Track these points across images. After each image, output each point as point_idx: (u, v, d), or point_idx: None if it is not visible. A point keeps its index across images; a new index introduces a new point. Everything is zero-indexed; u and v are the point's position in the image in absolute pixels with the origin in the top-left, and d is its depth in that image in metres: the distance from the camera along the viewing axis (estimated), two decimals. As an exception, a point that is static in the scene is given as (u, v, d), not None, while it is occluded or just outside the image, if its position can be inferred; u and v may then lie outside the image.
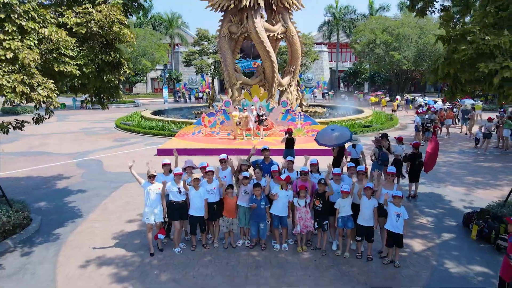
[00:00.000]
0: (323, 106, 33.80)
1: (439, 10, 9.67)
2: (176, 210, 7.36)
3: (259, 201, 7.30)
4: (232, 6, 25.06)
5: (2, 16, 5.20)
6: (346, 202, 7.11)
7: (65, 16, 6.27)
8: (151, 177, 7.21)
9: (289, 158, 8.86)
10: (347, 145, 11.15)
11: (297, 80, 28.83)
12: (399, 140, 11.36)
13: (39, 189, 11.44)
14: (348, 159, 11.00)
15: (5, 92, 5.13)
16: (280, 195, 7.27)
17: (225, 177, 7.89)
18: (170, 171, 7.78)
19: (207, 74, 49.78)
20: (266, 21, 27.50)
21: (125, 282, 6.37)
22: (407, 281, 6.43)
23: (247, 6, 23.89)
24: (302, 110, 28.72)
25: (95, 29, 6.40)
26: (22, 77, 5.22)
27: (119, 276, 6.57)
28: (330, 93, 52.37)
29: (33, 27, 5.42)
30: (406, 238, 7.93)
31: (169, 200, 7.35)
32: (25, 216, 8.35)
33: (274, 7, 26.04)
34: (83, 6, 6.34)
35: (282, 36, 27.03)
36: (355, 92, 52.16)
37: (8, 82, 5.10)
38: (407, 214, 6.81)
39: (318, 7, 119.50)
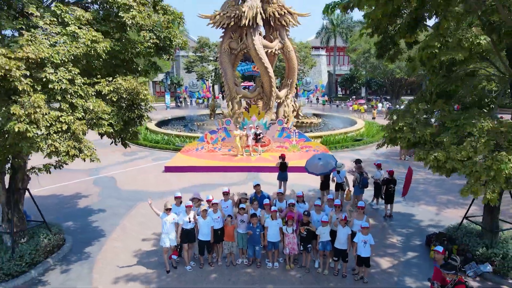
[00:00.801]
0: (318, 115, 35.44)
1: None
2: (185, 235, 9.06)
3: (255, 228, 9.00)
4: (232, 23, 26.67)
5: (59, 98, 6.87)
6: (325, 230, 8.81)
7: (100, 84, 7.96)
8: (168, 210, 8.90)
9: (279, 190, 10.54)
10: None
11: (296, 85, 30.46)
12: (378, 166, 13.05)
13: (64, 208, 13.15)
14: (334, 183, 12.76)
15: (61, 156, 6.80)
16: (271, 224, 8.97)
17: (227, 207, 9.60)
18: (181, 202, 9.47)
19: (207, 80, 51.40)
20: (265, 36, 29.18)
21: (161, 270, 8.10)
22: (371, 295, 8.16)
23: (246, 24, 25.49)
24: (299, 121, 30.52)
25: (124, 96, 8.10)
26: (73, 143, 6.90)
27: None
28: (323, 99, 53.94)
29: (80, 103, 7.11)
30: (377, 256, 9.68)
31: (182, 227, 9.05)
32: (61, 238, 10.08)
33: (272, 24, 27.65)
34: (115, 80, 8.04)
35: (280, 52, 28.72)
36: (348, 102, 53.47)
37: (64, 147, 6.77)
38: (373, 240, 8.50)
39: (317, 10, 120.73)
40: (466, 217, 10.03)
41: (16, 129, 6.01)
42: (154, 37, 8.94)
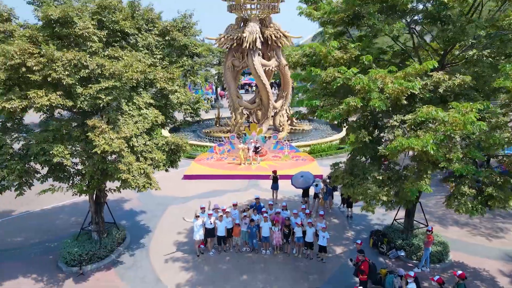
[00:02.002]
0: (310, 120, 40.21)
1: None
2: (208, 233, 14.11)
3: (253, 228, 14.06)
4: (235, 44, 31.47)
5: (139, 155, 11.81)
6: (299, 229, 13.85)
7: (157, 139, 12.90)
8: (197, 217, 13.94)
9: (270, 202, 15.63)
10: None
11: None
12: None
13: (115, 211, 18.17)
14: (312, 193, 17.83)
15: (141, 188, 11.71)
16: (264, 225, 14.00)
17: (235, 213, 14.66)
18: (204, 211, 14.51)
19: (211, 83, 56.04)
20: (263, 54, 33.87)
21: (189, 270, 13.20)
22: (327, 270, 13.23)
23: (247, 47, 30.21)
24: (292, 128, 35.32)
25: (172, 147, 13.08)
26: (147, 180, 11.83)
27: (185, 267, 13.39)
28: None
29: (150, 156, 12.07)
30: (334, 246, 14.74)
31: (206, 227, 14.09)
32: (124, 233, 15.17)
33: (270, 43, 32.30)
34: (166, 137, 13.00)
35: (276, 69, 33.53)
36: None
37: (141, 183, 11.68)
38: (329, 234, 13.55)
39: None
40: (395, 219, 15.06)
41: (123, 178, 10.99)
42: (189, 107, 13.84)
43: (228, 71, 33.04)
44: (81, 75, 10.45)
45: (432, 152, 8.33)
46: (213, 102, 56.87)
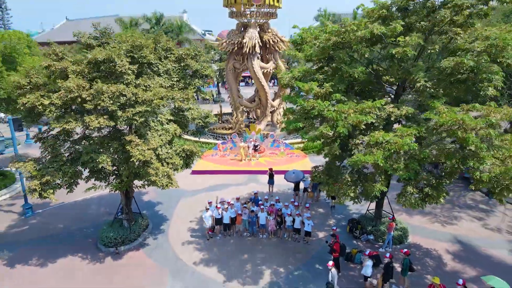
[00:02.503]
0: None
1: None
2: (216, 221, 17.65)
3: (252, 217, 17.60)
4: (236, 48, 34.60)
5: (163, 162, 15.23)
6: (290, 218, 17.38)
7: (175, 148, 16.32)
8: (207, 209, 17.47)
9: (266, 196, 19.16)
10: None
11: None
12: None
13: (137, 202, 21.70)
14: (302, 187, 21.33)
15: (164, 186, 15.14)
16: (261, 215, 17.53)
17: (237, 205, 18.19)
18: (211, 204, 18.03)
19: (212, 78, 59.06)
20: (262, 57, 37.03)
21: (201, 251, 16.78)
22: (310, 249, 16.81)
23: (247, 52, 33.34)
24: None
25: (188, 153, 16.53)
26: (169, 180, 15.26)
27: (198, 248, 16.97)
28: None
29: (171, 162, 15.50)
30: (318, 231, 18.31)
31: (214, 217, 17.61)
32: (147, 221, 18.74)
33: (268, 46, 35.44)
34: (182, 145, 16.41)
35: (274, 71, 36.70)
36: None
37: (165, 183, 15.12)
38: (314, 222, 17.08)
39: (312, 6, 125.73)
40: (368, 210, 18.59)
41: (152, 179, 14.44)
42: (200, 120, 17.22)
43: (229, 72, 36.26)
44: (121, 102, 13.81)
45: (381, 164, 11.76)
46: (215, 96, 60.10)
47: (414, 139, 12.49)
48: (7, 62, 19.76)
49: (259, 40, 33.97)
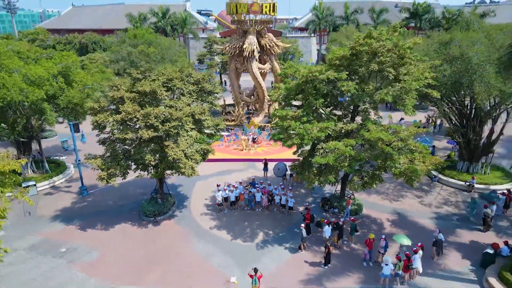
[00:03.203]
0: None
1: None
2: (224, 199, 24.86)
3: (251, 196, 24.81)
4: (237, 51, 41.08)
5: (189, 157, 22.22)
6: (278, 197, 24.56)
7: (196, 147, 23.34)
8: (219, 190, 24.68)
9: (261, 181, 26.39)
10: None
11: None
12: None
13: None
14: (288, 173, 28.49)
15: (188, 175, 22.11)
16: (257, 194, 24.72)
17: (240, 187, 25.39)
18: (220, 186, 25.24)
19: (215, 69, 65.49)
20: (259, 57, 43.47)
21: (214, 220, 24.07)
22: (292, 219, 24.04)
23: (247, 56, 39.86)
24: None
25: (204, 151, 23.53)
26: (193, 171, 22.23)
27: (212, 218, 24.24)
28: None
29: (196, 157, 22.49)
30: (299, 206, 25.58)
31: (223, 196, 24.80)
32: (174, 199, 25.97)
33: (265, 49, 41.90)
34: (200, 144, 23.37)
35: (270, 71, 43.32)
36: None
37: (189, 173, 22.08)
38: (295, 200, 24.29)
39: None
40: (335, 191, 25.74)
41: (182, 171, 21.47)
42: (213, 127, 24.15)
43: (232, 72, 42.89)
44: (161, 119, 20.70)
45: (331, 163, 18.76)
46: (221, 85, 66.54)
47: (357, 145, 19.50)
48: (64, 78, 26.49)
49: (257, 45, 40.48)
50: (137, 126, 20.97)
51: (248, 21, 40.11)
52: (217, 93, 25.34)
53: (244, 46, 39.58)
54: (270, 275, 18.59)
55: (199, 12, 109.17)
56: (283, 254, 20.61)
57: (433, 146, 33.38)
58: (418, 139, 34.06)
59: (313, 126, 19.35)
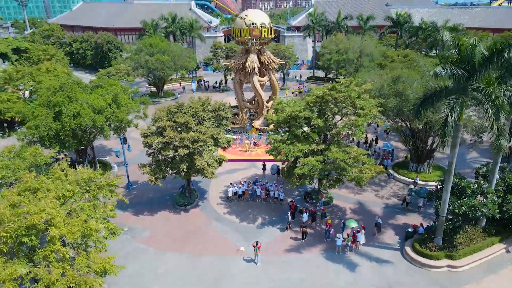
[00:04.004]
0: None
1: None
2: (234, 193, 35.21)
3: (253, 191, 35.17)
4: (240, 66, 50.81)
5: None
6: (272, 192, 34.91)
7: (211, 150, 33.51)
8: (230, 186, 35.01)
9: (260, 179, 36.84)
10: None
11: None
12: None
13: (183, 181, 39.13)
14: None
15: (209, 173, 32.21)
16: (257, 190, 35.06)
17: (245, 184, 35.74)
18: (231, 183, 35.61)
19: (220, 72, 74.91)
20: (259, 70, 53.12)
21: (227, 207, 34.47)
22: (282, 208, 34.38)
23: (249, 71, 49.61)
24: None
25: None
26: (214, 170, 32.36)
27: (225, 206, 34.62)
28: (298, 89, 77.23)
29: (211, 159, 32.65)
30: (288, 198, 36.02)
31: (233, 191, 35.11)
32: (197, 193, 36.32)
33: (264, 64, 51.56)
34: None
35: (268, 83, 53.15)
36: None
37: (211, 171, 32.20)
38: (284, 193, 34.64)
39: None
40: (315, 187, 36.00)
41: (206, 174, 31.66)
42: (227, 143, 34.26)
43: (236, 83, 52.68)
44: (191, 141, 30.73)
45: (306, 173, 28.91)
46: (224, 85, 76.08)
47: (327, 159, 29.62)
48: (114, 103, 36.46)
49: (258, 62, 50.15)
50: (175, 144, 31.03)
51: (250, 42, 49.52)
52: (228, 117, 35.27)
53: (247, 64, 49.27)
54: (266, 246, 29.04)
55: (197, 4, 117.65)
56: (275, 232, 31.07)
57: (392, 150, 43.51)
58: (384, 143, 44.38)
59: (294, 147, 29.46)
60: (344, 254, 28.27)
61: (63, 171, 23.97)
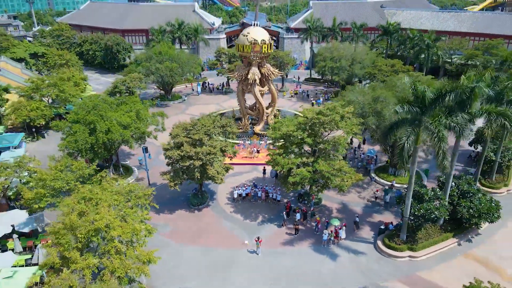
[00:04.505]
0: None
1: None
2: (238, 195, 42.48)
3: (255, 193, 42.45)
4: (243, 78, 57.72)
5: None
6: (271, 194, 42.18)
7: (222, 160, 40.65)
8: (235, 188, 42.27)
9: (260, 183, 44.19)
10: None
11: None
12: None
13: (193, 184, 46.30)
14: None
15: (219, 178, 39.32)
16: (258, 192, 42.33)
17: (248, 187, 42.99)
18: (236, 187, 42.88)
19: (224, 75, 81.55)
20: (260, 81, 59.97)
21: (233, 207, 41.78)
22: (279, 207, 41.68)
23: (251, 82, 56.54)
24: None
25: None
26: (225, 171, 39.49)
27: (231, 206, 41.89)
28: (293, 90, 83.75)
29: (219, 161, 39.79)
30: (284, 199, 43.34)
31: (238, 193, 42.35)
32: (207, 195, 43.58)
33: (264, 75, 58.45)
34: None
35: (267, 92, 60.09)
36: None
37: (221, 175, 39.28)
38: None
39: None
40: (306, 189, 43.21)
41: (216, 181, 38.85)
42: (233, 153, 41.45)
43: (239, 92, 59.58)
44: (204, 154, 37.78)
45: (298, 181, 36.05)
46: (228, 87, 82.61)
47: (314, 170, 36.76)
48: (137, 118, 43.50)
49: (259, 74, 56.99)
50: (191, 156, 38.08)
51: (252, 56, 56.20)
52: (234, 133, 42.30)
53: (249, 76, 56.14)
54: (265, 240, 36.29)
55: None
56: (272, 228, 38.42)
57: (376, 155, 50.66)
58: (368, 149, 51.54)
59: (289, 160, 36.61)
60: (328, 247, 35.61)
61: (99, 181, 31.28)
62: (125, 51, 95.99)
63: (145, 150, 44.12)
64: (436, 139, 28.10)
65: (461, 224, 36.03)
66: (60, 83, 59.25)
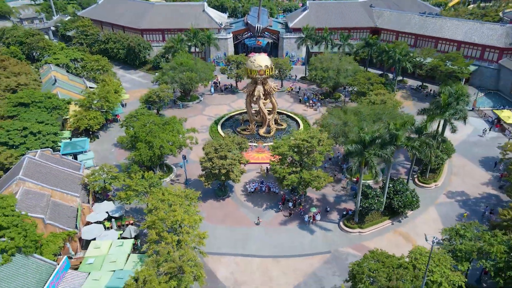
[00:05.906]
0: (288, 115, 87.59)
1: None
2: (250, 190, 63.97)
3: (261, 187, 63.91)
4: (251, 93, 78.04)
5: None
6: (272, 188, 63.62)
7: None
8: (247, 184, 63.72)
9: (263, 180, 65.91)
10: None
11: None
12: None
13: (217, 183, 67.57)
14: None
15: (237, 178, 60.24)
16: (263, 187, 63.76)
17: (256, 184, 64.42)
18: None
19: (232, 78, 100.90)
20: (263, 95, 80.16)
21: (248, 197, 63.37)
22: (277, 199, 63.30)
23: (256, 97, 76.95)
24: (277, 127, 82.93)
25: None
26: (240, 173, 60.50)
27: (246, 196, 63.37)
28: (289, 87, 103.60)
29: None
30: (282, 191, 64.98)
31: (249, 188, 63.72)
32: (228, 189, 65.11)
33: (267, 91, 78.75)
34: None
35: (269, 102, 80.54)
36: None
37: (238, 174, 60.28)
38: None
39: None
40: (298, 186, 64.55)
41: (235, 180, 60.02)
42: (245, 161, 62.59)
43: (247, 103, 79.80)
44: (228, 164, 58.69)
45: (289, 183, 57.23)
46: (235, 88, 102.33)
47: (300, 176, 57.92)
48: (178, 133, 64.13)
49: (262, 90, 77.13)
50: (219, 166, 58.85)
51: (257, 77, 75.97)
52: (247, 148, 63.20)
53: (255, 93, 76.35)
54: (267, 221, 57.81)
55: None
56: (272, 213, 60.11)
57: (348, 158, 71.77)
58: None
59: (284, 170, 57.74)
60: (308, 226, 57.43)
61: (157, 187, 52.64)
62: (145, 50, 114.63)
63: (184, 157, 65.19)
64: (371, 164, 49.23)
65: (394, 212, 57.76)
66: (108, 96, 79.32)
